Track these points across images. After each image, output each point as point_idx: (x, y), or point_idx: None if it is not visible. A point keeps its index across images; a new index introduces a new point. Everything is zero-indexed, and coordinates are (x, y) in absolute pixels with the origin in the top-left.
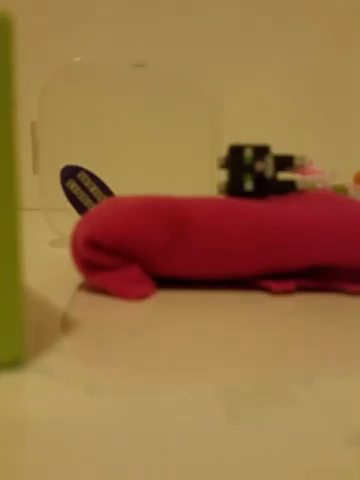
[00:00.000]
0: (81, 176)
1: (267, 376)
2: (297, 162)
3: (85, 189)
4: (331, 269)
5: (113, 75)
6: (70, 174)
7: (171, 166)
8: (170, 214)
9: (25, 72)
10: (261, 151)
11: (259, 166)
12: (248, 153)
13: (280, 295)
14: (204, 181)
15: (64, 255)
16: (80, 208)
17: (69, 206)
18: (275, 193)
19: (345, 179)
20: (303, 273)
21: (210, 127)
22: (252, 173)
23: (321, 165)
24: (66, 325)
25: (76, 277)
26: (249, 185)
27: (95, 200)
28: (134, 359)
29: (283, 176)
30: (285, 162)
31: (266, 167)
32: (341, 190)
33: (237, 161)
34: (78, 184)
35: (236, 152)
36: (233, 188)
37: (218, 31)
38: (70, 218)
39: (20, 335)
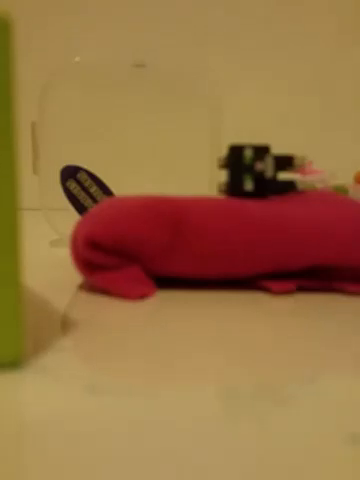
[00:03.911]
0: (81, 176)
1: (267, 376)
2: (297, 162)
3: (85, 189)
4: (331, 269)
5: (113, 75)
6: (70, 174)
7: (171, 166)
8: (170, 214)
9: (25, 72)
10: (261, 151)
11: (259, 166)
12: (248, 153)
13: (280, 295)
14: (204, 181)
15: (64, 255)
16: (80, 208)
17: (69, 206)
18: (275, 193)
19: (345, 179)
20: (303, 273)
21: (210, 127)
22: (252, 173)
23: (321, 165)
24: (66, 325)
25: (76, 277)
26: (249, 185)
27: (95, 200)
28: (134, 359)
29: (283, 176)
30: (285, 162)
31: (266, 167)
32: (341, 190)
33: (237, 161)
34: (78, 184)
35: (236, 152)
36: (233, 188)
37: (218, 31)
38: (70, 218)
39: (20, 335)
